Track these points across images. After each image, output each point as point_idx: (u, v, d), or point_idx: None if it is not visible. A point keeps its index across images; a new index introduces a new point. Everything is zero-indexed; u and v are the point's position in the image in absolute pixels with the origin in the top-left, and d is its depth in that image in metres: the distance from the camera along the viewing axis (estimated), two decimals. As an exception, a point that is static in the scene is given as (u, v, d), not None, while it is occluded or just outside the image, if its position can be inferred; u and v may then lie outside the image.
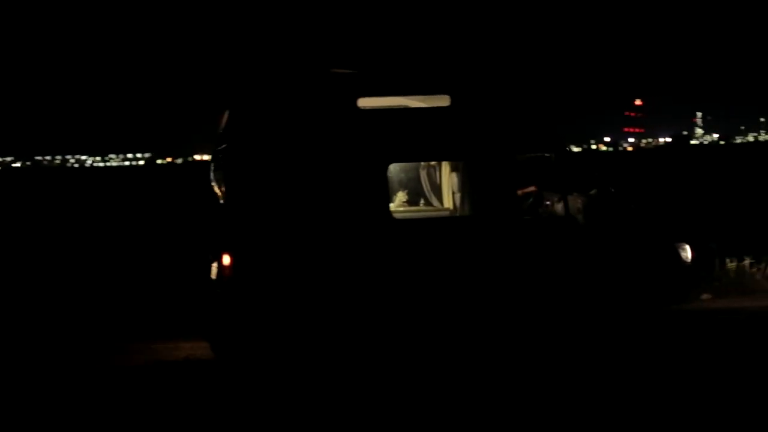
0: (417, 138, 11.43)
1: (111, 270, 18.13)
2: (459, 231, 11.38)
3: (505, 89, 11.84)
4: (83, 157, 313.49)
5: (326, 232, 10.98)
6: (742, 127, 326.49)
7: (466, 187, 11.60)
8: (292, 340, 10.84)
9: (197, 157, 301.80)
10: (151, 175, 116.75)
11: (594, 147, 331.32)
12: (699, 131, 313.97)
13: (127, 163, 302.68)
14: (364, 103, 11.37)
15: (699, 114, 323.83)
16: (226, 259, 10.85)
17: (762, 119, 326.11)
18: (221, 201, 11.75)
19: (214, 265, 11.66)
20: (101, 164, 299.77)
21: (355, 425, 8.17)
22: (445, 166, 12.73)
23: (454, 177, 12.51)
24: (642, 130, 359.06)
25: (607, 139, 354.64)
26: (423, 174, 13.01)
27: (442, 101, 11.54)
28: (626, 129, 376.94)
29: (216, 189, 12.32)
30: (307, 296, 10.83)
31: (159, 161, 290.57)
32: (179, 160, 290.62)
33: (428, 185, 12.99)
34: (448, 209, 12.60)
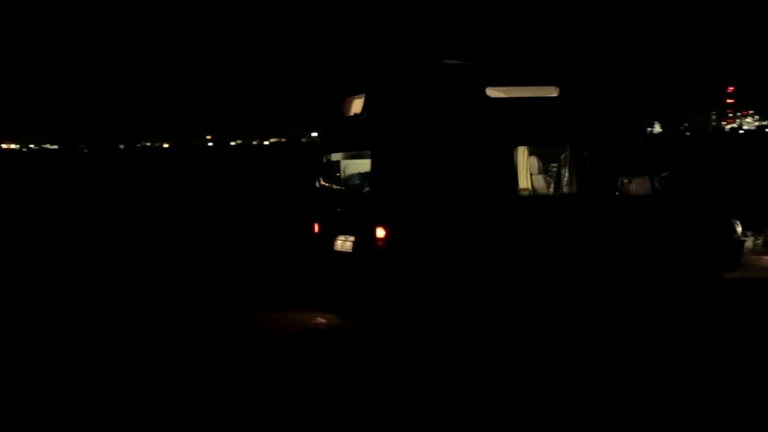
0: (535, 124, 12.84)
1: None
2: (571, 206, 12.85)
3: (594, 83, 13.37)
4: None
5: (466, 207, 12.25)
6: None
7: (572, 168, 13.05)
8: (443, 302, 12.08)
9: (5, 146, 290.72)
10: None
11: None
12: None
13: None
14: (491, 92, 12.68)
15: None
16: (380, 232, 11.92)
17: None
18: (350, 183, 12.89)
19: (343, 240, 12.69)
20: None
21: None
22: (523, 151, 14.15)
23: (533, 160, 13.97)
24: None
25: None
26: None
27: (552, 92, 12.97)
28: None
29: (320, 178, 13.39)
30: (455, 264, 12.08)
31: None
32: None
33: None
34: (526, 189, 14.03)
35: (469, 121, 12.44)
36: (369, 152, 12.57)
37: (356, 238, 12.45)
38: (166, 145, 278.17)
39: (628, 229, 12.96)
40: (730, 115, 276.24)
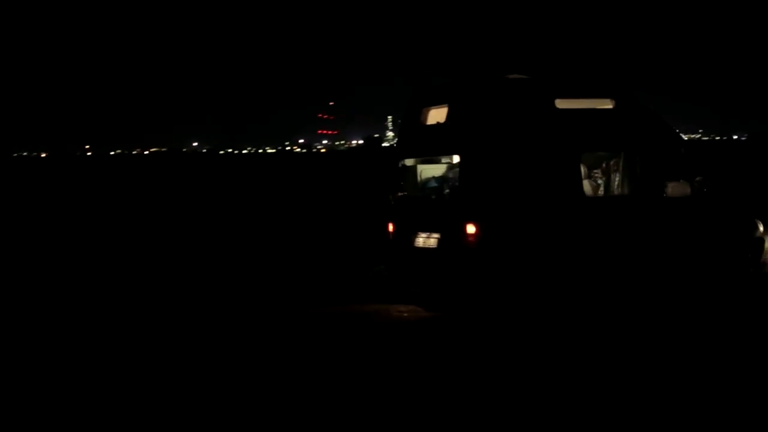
0: (596, 132, 14.26)
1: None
2: (628, 207, 14.30)
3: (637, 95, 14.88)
4: None
5: (544, 206, 13.59)
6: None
7: (625, 173, 14.51)
8: (529, 291, 13.40)
9: None
10: None
11: (288, 148, 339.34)
12: (390, 134, 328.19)
13: None
14: (560, 104, 14.08)
15: (390, 117, 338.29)
16: (471, 229, 13.17)
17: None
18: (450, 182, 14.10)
19: (425, 237, 13.90)
20: None
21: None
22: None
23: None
24: (336, 132, 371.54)
25: (301, 140, 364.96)
26: None
27: (608, 104, 14.43)
28: (320, 131, 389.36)
29: (396, 181, 14.57)
30: (537, 256, 13.40)
31: None
32: None
33: None
34: None
35: (544, 128, 13.82)
36: (453, 157, 13.83)
37: (442, 235, 13.65)
38: (43, 155, 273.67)
39: (673, 228, 14.46)
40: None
